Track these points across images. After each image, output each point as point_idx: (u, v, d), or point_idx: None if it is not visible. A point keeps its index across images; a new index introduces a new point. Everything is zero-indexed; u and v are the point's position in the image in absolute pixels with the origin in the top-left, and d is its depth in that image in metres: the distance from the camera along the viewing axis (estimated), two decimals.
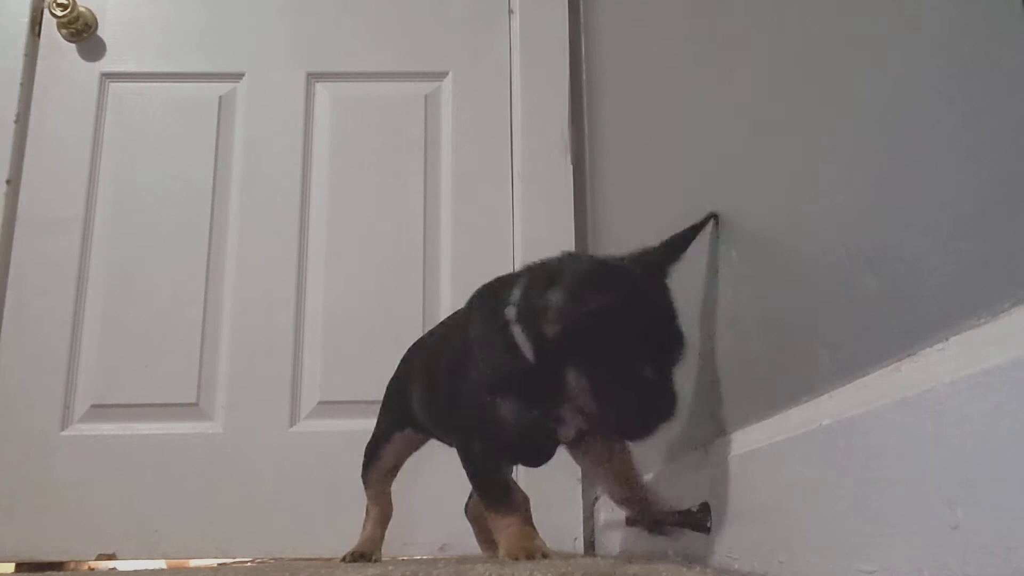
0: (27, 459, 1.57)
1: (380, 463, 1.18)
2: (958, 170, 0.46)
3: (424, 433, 1.14)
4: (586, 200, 1.69)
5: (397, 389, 1.17)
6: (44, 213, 1.68)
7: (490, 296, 0.90)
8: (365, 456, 1.19)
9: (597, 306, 0.76)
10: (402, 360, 1.20)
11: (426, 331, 1.26)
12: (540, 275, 0.83)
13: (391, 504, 1.21)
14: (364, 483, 1.19)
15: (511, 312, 0.83)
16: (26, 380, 1.60)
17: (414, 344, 1.20)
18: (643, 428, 0.80)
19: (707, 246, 0.89)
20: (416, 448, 1.19)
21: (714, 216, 0.87)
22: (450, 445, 1.03)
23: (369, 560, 1.14)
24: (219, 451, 1.59)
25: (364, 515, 1.20)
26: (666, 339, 0.79)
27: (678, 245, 0.85)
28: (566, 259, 0.86)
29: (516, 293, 0.84)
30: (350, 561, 1.14)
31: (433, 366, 1.03)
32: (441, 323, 1.16)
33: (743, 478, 0.71)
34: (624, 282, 0.79)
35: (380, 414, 1.20)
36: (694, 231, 0.87)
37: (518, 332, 0.82)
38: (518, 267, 0.93)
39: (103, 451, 1.58)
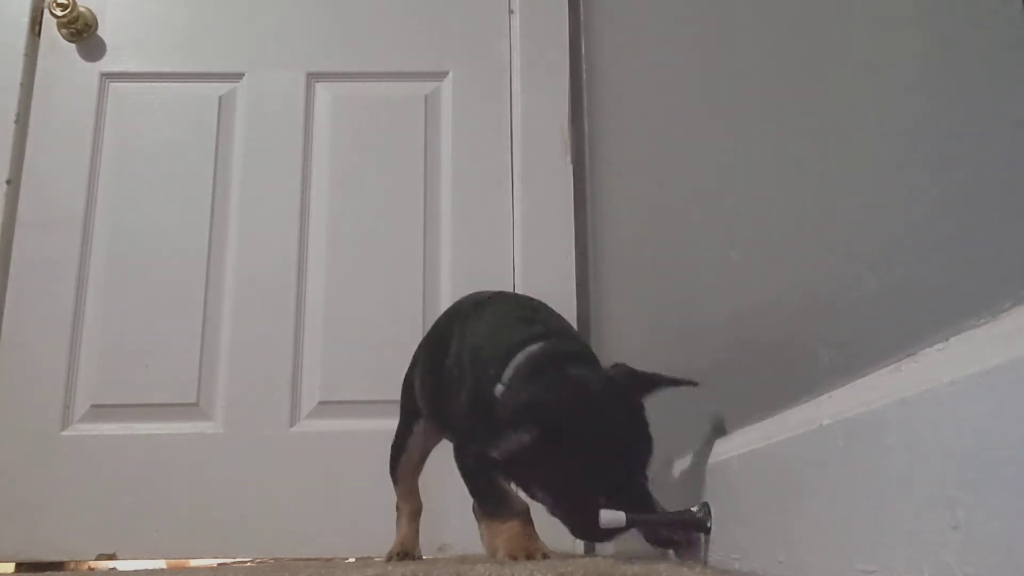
0: (27, 459, 1.57)
1: (406, 456, 1.18)
2: (958, 170, 0.46)
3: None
4: (586, 200, 1.69)
5: (407, 382, 1.18)
6: (44, 213, 1.68)
7: (496, 347, 0.90)
8: (392, 453, 1.19)
9: (514, 449, 0.77)
10: (415, 352, 1.20)
11: (425, 328, 1.26)
12: (524, 371, 0.84)
13: (420, 499, 1.22)
14: (393, 480, 1.20)
15: (500, 390, 0.85)
16: (26, 380, 1.60)
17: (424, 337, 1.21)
18: (601, 536, 0.83)
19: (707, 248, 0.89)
20: (439, 438, 1.17)
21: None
22: (450, 440, 1.04)
23: (414, 558, 1.15)
24: (219, 451, 1.59)
25: (396, 513, 1.21)
26: (625, 461, 0.79)
27: (653, 382, 0.84)
28: (545, 360, 0.86)
29: (509, 372, 0.85)
30: (398, 560, 1.13)
31: (435, 357, 1.03)
32: (446, 313, 1.15)
33: (743, 478, 0.71)
34: (566, 411, 0.79)
35: (400, 409, 1.21)
36: (675, 382, 0.85)
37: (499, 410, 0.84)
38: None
39: (103, 451, 1.58)
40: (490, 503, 0.91)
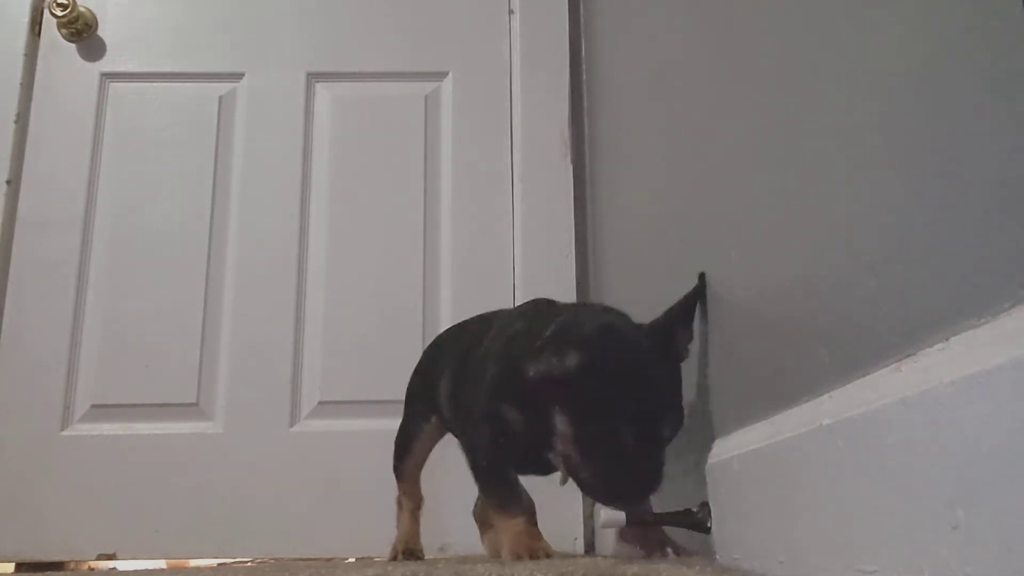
0: (27, 459, 1.57)
1: (414, 456, 1.18)
2: (958, 170, 0.46)
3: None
4: (586, 201, 1.69)
5: (424, 380, 1.17)
6: (44, 213, 1.68)
7: (529, 329, 0.90)
8: (397, 450, 1.19)
9: (571, 365, 0.77)
10: (427, 351, 1.20)
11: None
12: (563, 327, 0.84)
13: (421, 493, 1.22)
14: (397, 477, 1.20)
15: (537, 346, 0.83)
16: (26, 380, 1.60)
17: (443, 334, 1.20)
18: (611, 496, 0.81)
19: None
20: (441, 436, 1.18)
21: (702, 275, 0.87)
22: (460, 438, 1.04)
23: (419, 557, 1.15)
24: (219, 451, 1.59)
25: (396, 508, 1.21)
26: (657, 412, 0.79)
27: (682, 315, 0.86)
28: (596, 313, 0.88)
29: (549, 332, 0.84)
30: (404, 558, 1.14)
31: (463, 360, 1.04)
32: (478, 317, 1.15)
33: (743, 478, 0.71)
34: (610, 347, 0.80)
35: (408, 406, 1.20)
36: (694, 298, 0.86)
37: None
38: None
39: (103, 451, 1.58)
40: (500, 497, 0.92)
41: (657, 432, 0.79)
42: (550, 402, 0.80)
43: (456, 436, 1.10)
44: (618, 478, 0.79)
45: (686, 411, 0.84)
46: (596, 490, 0.83)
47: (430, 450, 1.20)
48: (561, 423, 0.80)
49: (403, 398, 1.22)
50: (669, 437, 0.80)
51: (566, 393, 0.79)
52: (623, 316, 0.88)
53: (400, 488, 1.21)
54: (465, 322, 1.20)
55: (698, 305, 0.87)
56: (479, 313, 1.17)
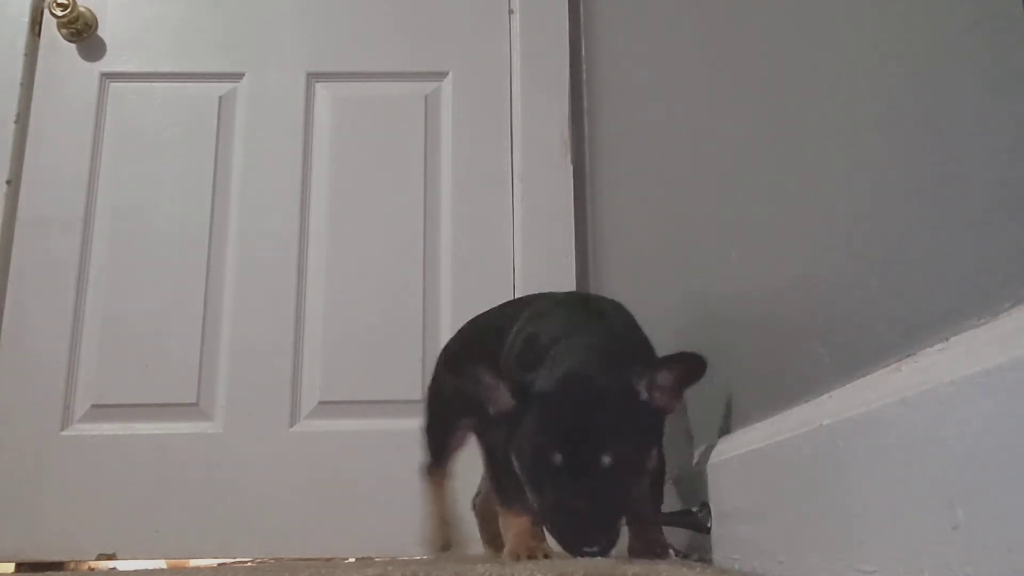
0: (27, 459, 1.57)
1: (448, 455, 1.15)
2: (958, 170, 0.46)
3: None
4: (586, 201, 1.69)
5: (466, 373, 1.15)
6: (44, 213, 1.68)
7: (547, 332, 0.90)
8: (432, 451, 1.15)
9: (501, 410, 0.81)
10: (450, 349, 1.19)
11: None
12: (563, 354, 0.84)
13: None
14: (430, 478, 1.15)
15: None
16: (26, 380, 1.60)
17: (468, 330, 1.18)
18: (563, 543, 0.80)
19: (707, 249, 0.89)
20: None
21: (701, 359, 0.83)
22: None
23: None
24: (219, 451, 1.59)
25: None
26: (584, 432, 0.77)
27: (662, 364, 0.82)
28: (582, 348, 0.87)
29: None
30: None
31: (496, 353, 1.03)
32: (501, 312, 1.13)
33: (743, 478, 0.71)
34: (542, 385, 0.81)
35: (436, 407, 1.16)
36: (687, 374, 0.81)
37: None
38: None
39: (103, 451, 1.58)
40: (507, 495, 0.92)
41: (589, 456, 0.76)
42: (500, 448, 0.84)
43: (477, 435, 1.10)
44: (555, 512, 0.79)
45: (685, 412, 0.83)
46: (546, 523, 0.83)
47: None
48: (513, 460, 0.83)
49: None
50: (612, 467, 0.76)
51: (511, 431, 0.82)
52: (605, 353, 0.85)
53: (431, 488, 1.17)
54: (490, 312, 1.16)
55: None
56: (480, 313, 1.16)
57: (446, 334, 1.62)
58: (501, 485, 0.94)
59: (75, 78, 1.75)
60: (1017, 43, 0.41)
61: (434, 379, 1.19)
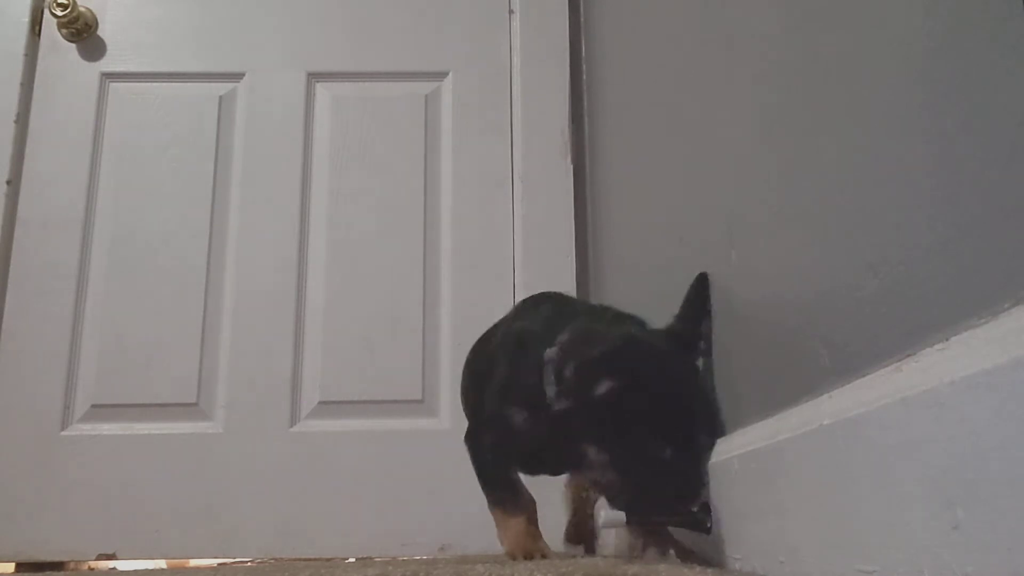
0: (27, 459, 1.57)
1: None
2: (958, 170, 0.46)
3: None
4: (586, 201, 1.69)
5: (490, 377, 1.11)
6: (44, 213, 1.68)
7: (539, 327, 0.89)
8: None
9: (603, 393, 0.74)
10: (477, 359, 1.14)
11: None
12: (580, 336, 0.82)
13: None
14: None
15: (550, 353, 0.82)
16: (26, 380, 1.60)
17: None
18: (656, 511, 0.79)
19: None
20: None
21: (703, 275, 0.86)
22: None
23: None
24: (219, 451, 1.59)
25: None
26: (693, 422, 0.77)
27: (694, 317, 0.84)
28: (610, 320, 0.86)
29: (563, 337, 0.82)
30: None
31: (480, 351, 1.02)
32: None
33: (743, 478, 0.71)
34: (639, 364, 0.77)
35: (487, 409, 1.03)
36: (697, 299, 0.84)
37: (548, 374, 0.81)
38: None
39: (103, 451, 1.58)
40: (499, 493, 0.91)
41: (694, 442, 0.76)
42: (579, 433, 0.77)
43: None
44: (660, 494, 0.77)
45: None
46: (639, 509, 0.81)
47: None
48: (593, 452, 0.77)
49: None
50: (708, 444, 0.77)
51: (598, 423, 0.76)
52: (640, 323, 0.86)
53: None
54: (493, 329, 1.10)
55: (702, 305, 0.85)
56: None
57: (446, 334, 1.63)
58: (491, 487, 0.93)
59: (75, 78, 1.75)
60: (1017, 43, 0.41)
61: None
